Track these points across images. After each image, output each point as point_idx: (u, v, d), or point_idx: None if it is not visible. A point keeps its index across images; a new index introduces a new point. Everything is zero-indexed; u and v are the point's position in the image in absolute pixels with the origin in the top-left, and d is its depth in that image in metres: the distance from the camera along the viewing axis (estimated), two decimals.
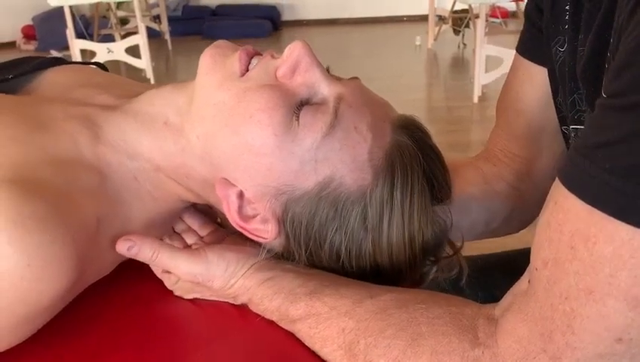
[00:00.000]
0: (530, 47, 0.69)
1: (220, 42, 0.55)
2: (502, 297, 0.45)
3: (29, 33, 6.15)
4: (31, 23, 6.11)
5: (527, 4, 0.70)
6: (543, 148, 0.71)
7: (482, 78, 3.53)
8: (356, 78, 0.56)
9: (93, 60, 3.94)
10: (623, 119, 0.34)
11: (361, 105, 0.52)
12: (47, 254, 0.45)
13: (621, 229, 0.33)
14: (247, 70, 0.52)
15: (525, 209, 0.74)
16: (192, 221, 0.62)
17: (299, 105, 0.51)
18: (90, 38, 4.77)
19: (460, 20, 5.05)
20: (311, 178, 0.51)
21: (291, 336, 0.52)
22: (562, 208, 0.36)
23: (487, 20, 3.64)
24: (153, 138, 0.56)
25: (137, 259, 0.55)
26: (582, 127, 0.58)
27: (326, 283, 0.52)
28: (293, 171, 0.51)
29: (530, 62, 0.69)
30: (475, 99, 3.59)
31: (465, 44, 5.13)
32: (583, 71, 0.52)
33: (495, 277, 0.72)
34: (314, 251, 0.53)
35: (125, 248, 0.53)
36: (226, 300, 0.56)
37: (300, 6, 6.88)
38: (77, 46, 3.91)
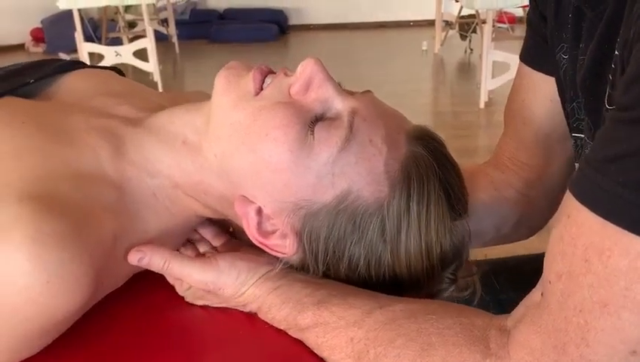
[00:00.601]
0: (533, 56, 0.70)
1: (233, 63, 0.56)
2: (507, 301, 0.45)
3: (37, 36, 6.19)
4: (40, 25, 6.15)
5: (529, 11, 0.70)
6: (551, 156, 0.71)
7: (489, 84, 3.53)
8: (369, 91, 0.56)
9: (101, 64, 3.96)
10: (634, 132, 0.34)
11: (375, 118, 0.53)
12: (65, 271, 0.46)
13: (636, 242, 0.33)
14: (262, 89, 0.53)
15: (534, 216, 0.74)
16: (205, 231, 0.63)
17: (313, 121, 0.51)
18: (99, 41, 4.79)
19: (467, 25, 5.05)
20: (328, 192, 0.51)
21: (300, 343, 0.53)
22: (575, 221, 0.37)
23: (494, 26, 3.63)
24: (172, 156, 0.57)
25: (149, 268, 0.55)
26: (581, 135, 0.59)
27: (334, 293, 0.52)
28: (311, 186, 0.51)
29: (533, 71, 0.69)
30: (482, 105, 3.59)
31: (472, 50, 5.13)
32: (583, 80, 0.52)
33: (501, 282, 0.72)
34: (332, 264, 0.54)
35: (136, 259, 0.54)
36: (236, 307, 0.57)
37: (307, 10, 6.89)
38: (85, 49, 3.93)
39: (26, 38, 6.27)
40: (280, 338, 0.53)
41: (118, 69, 0.74)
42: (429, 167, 0.53)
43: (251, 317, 0.56)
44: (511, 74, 3.47)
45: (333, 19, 6.86)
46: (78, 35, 3.87)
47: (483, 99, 3.58)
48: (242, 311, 0.57)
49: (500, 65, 3.53)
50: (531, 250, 0.83)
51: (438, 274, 0.55)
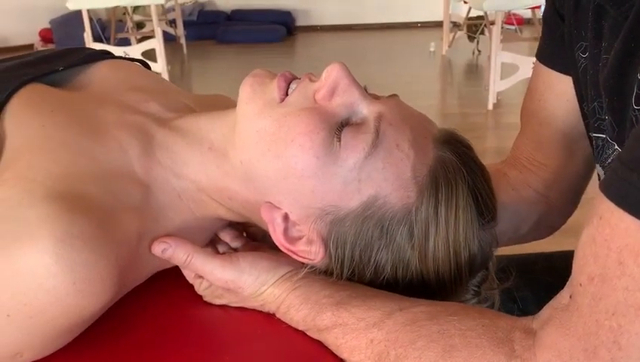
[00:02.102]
0: (549, 55, 0.69)
1: (258, 71, 0.56)
2: (521, 299, 0.45)
3: (46, 36, 6.22)
4: (49, 26, 6.18)
5: (545, 9, 0.69)
6: (569, 156, 0.71)
7: (497, 85, 3.52)
8: (395, 95, 0.56)
9: None
10: None
11: (402, 122, 0.52)
12: (91, 273, 0.46)
13: None
14: (287, 95, 0.53)
15: (553, 215, 0.74)
16: (224, 234, 0.63)
17: (339, 127, 0.51)
18: (107, 41, 4.81)
19: (475, 27, 5.03)
20: (355, 198, 0.51)
21: (319, 343, 0.52)
22: (609, 223, 0.36)
23: (502, 27, 3.61)
24: (199, 161, 0.57)
25: (171, 261, 0.55)
26: (602, 135, 0.58)
27: (354, 295, 0.52)
28: (337, 192, 0.51)
29: (550, 70, 0.68)
30: (490, 106, 3.58)
31: (479, 51, 5.11)
32: (606, 79, 0.51)
33: (515, 279, 0.72)
34: (357, 269, 0.53)
35: (160, 250, 0.54)
36: (254, 307, 0.57)
37: (314, 12, 6.89)
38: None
39: (34, 38, 6.29)
40: (299, 339, 0.53)
41: (144, 62, 0.74)
42: (457, 172, 0.52)
43: (270, 317, 0.56)
44: (519, 76, 3.46)
45: (340, 20, 6.85)
46: (87, 35, 3.89)
47: (491, 100, 3.57)
48: (261, 312, 0.56)
49: (508, 66, 3.52)
50: (535, 248, 0.83)
51: (466, 280, 0.55)
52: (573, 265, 0.40)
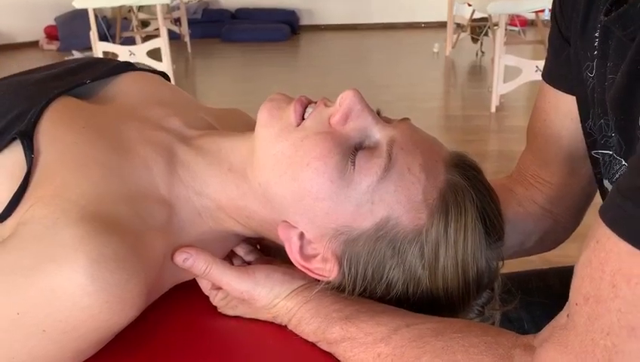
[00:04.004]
0: (555, 76, 0.71)
1: (275, 95, 0.58)
2: (516, 316, 0.46)
3: (51, 33, 6.24)
4: (53, 23, 6.20)
5: (550, 32, 0.71)
6: (573, 174, 0.73)
7: (500, 88, 3.53)
8: (406, 118, 0.58)
9: None
10: None
11: (413, 146, 0.54)
12: (123, 292, 0.49)
13: None
14: (303, 119, 0.55)
15: (557, 230, 0.76)
16: (238, 248, 0.65)
17: (353, 151, 0.53)
18: (113, 39, 4.83)
19: (479, 28, 5.04)
20: (368, 219, 0.53)
21: (330, 355, 0.55)
22: (604, 247, 0.38)
23: (505, 29, 3.63)
24: (219, 181, 0.59)
25: (191, 271, 0.58)
26: (609, 152, 0.60)
27: (363, 310, 0.54)
28: (351, 213, 0.53)
29: (555, 90, 0.70)
30: (493, 109, 3.59)
31: (483, 52, 5.13)
32: (614, 98, 0.53)
33: (507, 299, 0.74)
34: (370, 286, 0.56)
35: (181, 259, 0.56)
36: (266, 319, 0.59)
37: (319, 11, 6.91)
38: (100, 48, 3.97)
39: (40, 35, 6.32)
40: (310, 351, 0.55)
41: (164, 73, 0.76)
42: (467, 195, 0.54)
43: (282, 329, 0.58)
44: (523, 79, 3.48)
45: (344, 19, 6.87)
46: (93, 34, 3.91)
47: (494, 103, 3.58)
48: (273, 323, 0.59)
49: (511, 69, 3.53)
50: (527, 263, 0.84)
51: (473, 298, 0.57)
52: (571, 285, 0.42)
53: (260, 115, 0.57)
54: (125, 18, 5.48)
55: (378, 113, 0.57)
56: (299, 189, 0.53)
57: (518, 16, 5.08)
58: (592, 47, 0.60)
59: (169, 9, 5.75)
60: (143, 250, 0.52)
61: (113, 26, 5.30)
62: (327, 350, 0.55)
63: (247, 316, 0.60)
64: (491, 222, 0.56)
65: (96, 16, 4.00)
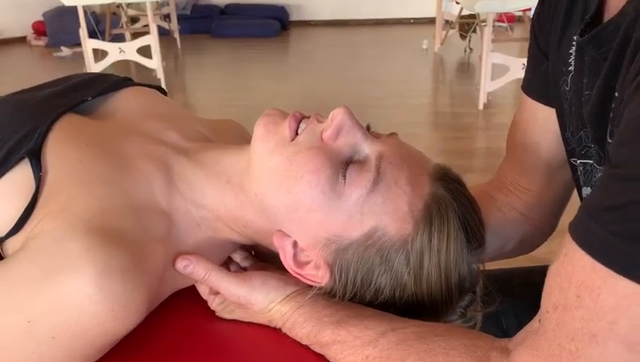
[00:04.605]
0: (534, 87, 0.75)
1: (270, 110, 0.61)
2: (502, 313, 0.50)
3: (39, 29, 6.20)
4: (42, 19, 6.15)
5: (530, 44, 0.75)
6: (550, 182, 0.77)
7: (488, 86, 3.58)
8: (394, 133, 0.61)
9: (105, 60, 3.95)
10: (623, 188, 0.39)
11: (400, 161, 0.58)
12: (128, 300, 0.52)
13: (622, 284, 0.38)
14: (297, 134, 0.59)
15: (535, 234, 0.80)
16: (235, 255, 0.69)
17: (344, 165, 0.57)
18: (102, 35, 4.82)
19: (467, 25, 5.09)
20: (357, 229, 0.57)
21: (322, 357, 0.58)
22: (571, 260, 0.42)
23: (493, 26, 3.67)
24: (217, 192, 0.62)
25: (191, 276, 0.61)
26: (589, 161, 0.64)
27: (352, 314, 0.58)
28: (341, 224, 0.57)
29: (534, 101, 0.74)
30: (481, 106, 3.64)
31: (471, 49, 5.17)
32: (590, 113, 0.56)
33: (492, 295, 0.78)
34: (359, 292, 0.59)
35: (182, 266, 0.60)
36: (262, 322, 0.62)
37: (309, 7, 6.92)
38: (90, 45, 3.96)
39: (27, 31, 6.27)
40: (303, 353, 0.59)
41: (161, 88, 0.79)
42: (449, 207, 0.58)
43: (276, 332, 0.61)
44: (510, 76, 3.53)
45: (334, 15, 6.89)
46: (83, 31, 3.89)
47: (482, 100, 3.63)
48: (268, 326, 0.62)
49: (498, 67, 3.58)
50: (513, 263, 0.88)
51: (456, 301, 0.60)
52: (543, 294, 0.45)
53: (256, 129, 0.60)
54: (114, 13, 5.46)
55: (368, 128, 0.61)
56: (293, 201, 0.57)
57: (505, 12, 5.13)
58: (567, 62, 0.63)
59: (158, 5, 5.74)
60: (145, 261, 0.55)
61: (102, 22, 5.27)
62: (320, 352, 0.58)
63: (244, 319, 0.63)
64: (472, 231, 0.60)
65: (85, 12, 3.98)
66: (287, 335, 0.60)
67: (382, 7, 6.80)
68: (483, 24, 3.84)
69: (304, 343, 0.59)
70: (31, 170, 0.56)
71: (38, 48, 6.11)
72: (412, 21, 6.76)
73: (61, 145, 0.59)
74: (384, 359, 0.52)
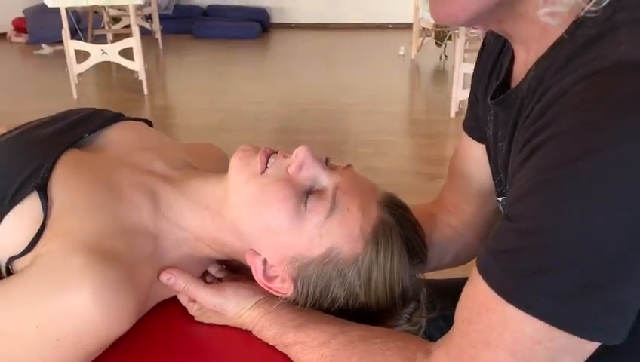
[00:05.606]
0: (469, 125, 0.85)
1: (245, 146, 0.72)
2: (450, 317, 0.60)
3: (19, 26, 6.14)
4: (22, 15, 6.10)
5: (471, 87, 0.84)
6: (482, 206, 0.88)
7: (459, 95, 3.70)
8: (349, 165, 0.72)
9: (87, 61, 3.96)
10: (513, 237, 0.49)
11: (353, 190, 0.68)
12: (121, 311, 0.62)
13: (508, 308, 0.48)
14: (267, 167, 0.69)
15: (468, 250, 0.91)
16: (211, 267, 0.80)
17: (306, 194, 0.67)
18: (82, 33, 4.82)
19: (443, 33, 5.21)
20: (317, 249, 0.67)
21: (285, 356, 0.68)
22: (476, 286, 0.52)
23: (467, 35, 3.79)
24: (197, 217, 0.73)
25: (173, 288, 0.71)
26: (506, 198, 0.72)
27: (311, 319, 0.68)
28: (304, 244, 0.67)
29: (469, 138, 0.84)
30: (452, 114, 3.75)
31: (446, 56, 5.28)
32: (503, 162, 0.67)
33: (448, 302, 0.88)
34: (318, 301, 0.70)
35: (166, 278, 0.71)
36: (235, 325, 0.73)
37: (290, 10, 6.96)
38: (72, 47, 3.99)
39: (7, 27, 6.23)
40: (269, 352, 0.69)
41: (148, 121, 0.90)
42: (394, 230, 0.68)
43: (247, 334, 0.71)
44: None
45: (314, 19, 6.93)
46: (65, 32, 3.89)
47: (454, 109, 3.74)
48: (240, 329, 0.72)
49: (470, 77, 3.67)
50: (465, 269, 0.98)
51: (400, 309, 0.71)
52: (456, 309, 0.56)
53: (232, 161, 0.71)
54: (96, 12, 5.47)
55: (326, 161, 0.72)
56: (263, 225, 0.68)
57: None
58: (489, 113, 0.73)
59: (140, 6, 5.75)
60: (136, 276, 0.66)
61: (83, 20, 5.27)
62: (284, 352, 0.68)
63: (219, 323, 0.73)
64: (415, 249, 0.71)
65: (66, 11, 3.99)
66: (257, 337, 0.70)
67: (361, 12, 6.85)
68: (457, 31, 3.95)
69: (271, 344, 0.69)
70: (39, 201, 0.67)
71: (18, 45, 6.07)
72: (390, 26, 6.83)
73: (64, 178, 0.70)
74: (335, 357, 0.63)
